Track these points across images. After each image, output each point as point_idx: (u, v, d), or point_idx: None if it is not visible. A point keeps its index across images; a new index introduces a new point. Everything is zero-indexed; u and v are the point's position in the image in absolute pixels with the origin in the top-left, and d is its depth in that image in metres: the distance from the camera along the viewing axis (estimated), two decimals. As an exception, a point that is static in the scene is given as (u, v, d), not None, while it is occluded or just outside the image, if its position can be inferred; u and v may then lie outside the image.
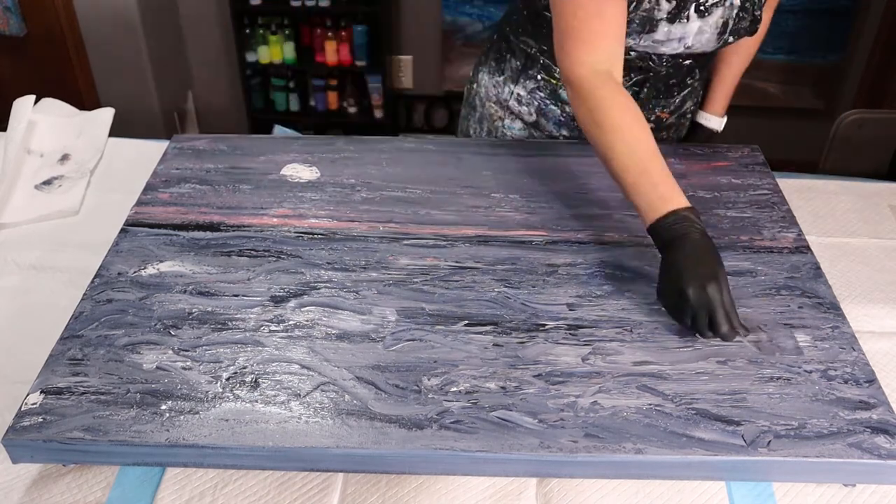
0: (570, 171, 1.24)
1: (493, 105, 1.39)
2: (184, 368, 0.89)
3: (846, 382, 0.87)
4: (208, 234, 1.10)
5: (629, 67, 1.21)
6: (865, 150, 1.90)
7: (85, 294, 0.99)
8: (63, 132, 1.45)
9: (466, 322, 0.95)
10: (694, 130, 1.40)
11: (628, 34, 1.12)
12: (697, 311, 0.87)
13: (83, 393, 0.85)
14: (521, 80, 1.31)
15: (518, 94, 1.34)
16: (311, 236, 1.10)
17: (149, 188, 1.20)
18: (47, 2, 2.62)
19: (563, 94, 1.32)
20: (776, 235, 1.10)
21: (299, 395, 0.85)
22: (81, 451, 0.81)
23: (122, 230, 1.11)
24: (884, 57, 2.78)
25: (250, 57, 3.15)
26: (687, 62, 1.24)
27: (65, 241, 1.21)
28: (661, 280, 0.93)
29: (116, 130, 1.47)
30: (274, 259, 1.05)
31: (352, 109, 3.30)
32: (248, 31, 3.10)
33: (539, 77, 1.30)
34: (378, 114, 3.28)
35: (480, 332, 0.93)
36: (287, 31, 3.11)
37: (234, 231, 1.11)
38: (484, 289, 1.00)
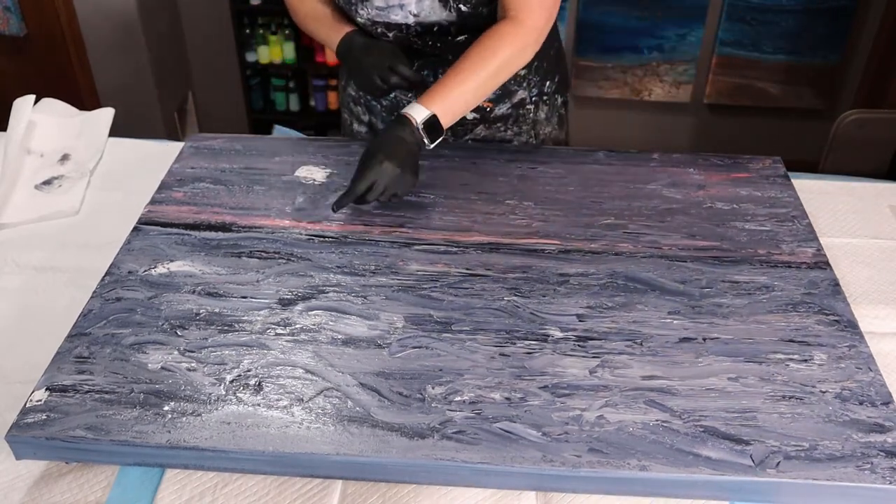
0: (586, 180, 1.22)
1: (344, 110, 1.40)
2: (188, 369, 0.88)
3: (861, 404, 0.85)
4: (220, 235, 1.10)
5: (403, 51, 1.21)
6: (865, 151, 1.88)
7: (95, 292, 1.00)
8: (63, 132, 1.45)
9: (474, 330, 0.94)
10: None
11: (352, 4, 1.18)
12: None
13: (87, 391, 0.86)
14: (351, 79, 1.30)
15: (350, 94, 1.33)
16: (321, 239, 1.09)
17: (163, 187, 1.21)
18: (47, 2, 2.62)
19: None
20: (795, 250, 1.08)
21: (302, 400, 0.85)
22: (83, 449, 0.82)
23: (135, 228, 1.11)
24: (884, 57, 2.74)
25: (250, 57, 3.15)
26: (460, 38, 1.20)
27: (65, 241, 1.21)
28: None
29: (116, 130, 1.47)
30: (284, 261, 1.05)
31: (351, 109, 3.30)
32: (248, 31, 3.10)
33: None
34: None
35: (487, 341, 0.92)
36: (287, 31, 3.11)
37: (245, 232, 1.10)
38: (493, 297, 0.99)
